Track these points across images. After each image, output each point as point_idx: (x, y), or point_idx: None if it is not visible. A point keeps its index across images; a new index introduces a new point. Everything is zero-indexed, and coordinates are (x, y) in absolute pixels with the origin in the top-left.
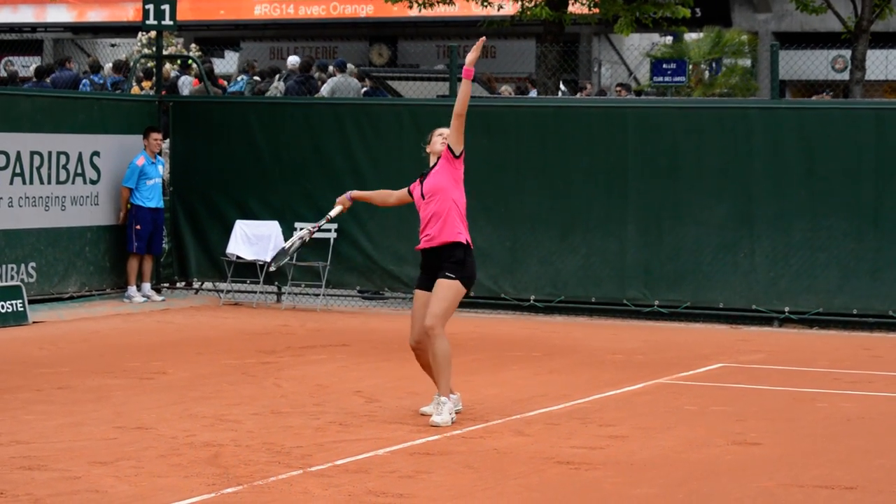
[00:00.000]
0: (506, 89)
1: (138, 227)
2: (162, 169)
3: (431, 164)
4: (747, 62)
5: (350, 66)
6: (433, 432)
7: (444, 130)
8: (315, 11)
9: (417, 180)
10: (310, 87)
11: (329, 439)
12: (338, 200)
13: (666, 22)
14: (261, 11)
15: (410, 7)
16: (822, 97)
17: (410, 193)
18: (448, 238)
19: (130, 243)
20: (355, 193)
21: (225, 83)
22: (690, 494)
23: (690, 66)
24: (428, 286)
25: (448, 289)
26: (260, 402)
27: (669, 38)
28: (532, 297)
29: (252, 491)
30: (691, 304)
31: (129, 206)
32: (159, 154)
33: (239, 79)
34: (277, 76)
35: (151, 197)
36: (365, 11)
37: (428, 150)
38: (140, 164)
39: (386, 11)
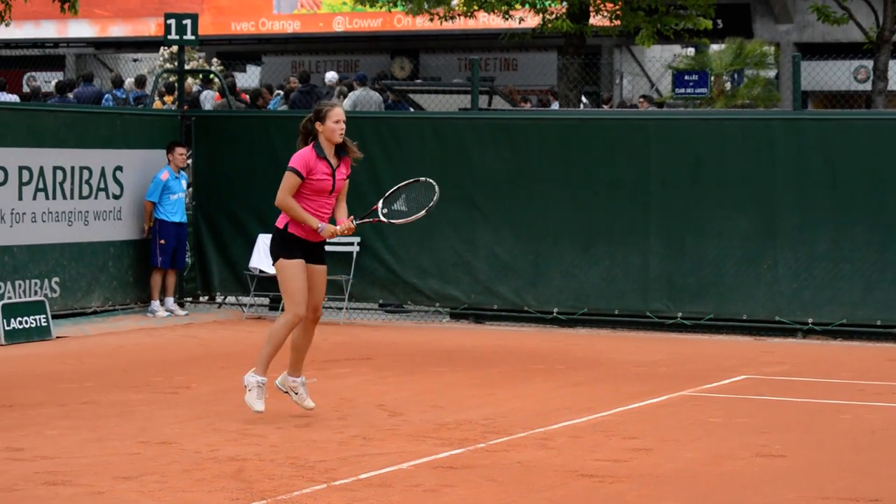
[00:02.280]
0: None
1: (162, 241)
2: (185, 183)
3: (324, 148)
4: (769, 73)
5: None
6: (457, 446)
7: (343, 115)
8: (337, 25)
9: (327, 165)
10: (314, 97)
11: (353, 453)
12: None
13: (687, 33)
14: (282, 26)
15: (432, 20)
16: None
17: (303, 176)
18: None
19: (154, 258)
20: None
21: (247, 97)
22: None
23: (712, 78)
24: (306, 259)
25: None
26: (283, 416)
27: (691, 50)
28: (555, 310)
29: None
30: (715, 315)
31: (152, 220)
32: (183, 169)
33: (278, 94)
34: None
35: (175, 211)
36: (387, 25)
37: (318, 127)
38: (164, 179)
39: (408, 25)
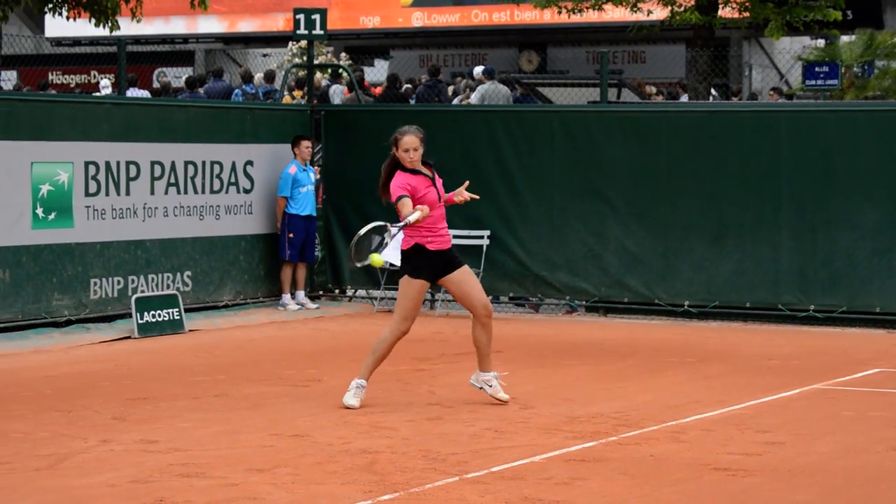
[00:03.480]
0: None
1: (291, 235)
2: (313, 176)
3: (411, 167)
4: None
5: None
6: (589, 439)
7: (414, 144)
8: (465, 19)
9: (424, 178)
10: (438, 91)
11: (484, 446)
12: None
13: (817, 25)
14: (411, 19)
15: (560, 13)
16: None
17: (408, 195)
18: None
19: (283, 251)
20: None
21: (377, 91)
22: (850, 501)
23: (843, 69)
24: (433, 279)
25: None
26: (415, 409)
27: (821, 41)
28: (686, 303)
29: (409, 498)
30: (847, 308)
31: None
32: (310, 162)
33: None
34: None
35: (304, 205)
36: (515, 18)
37: (400, 153)
38: (292, 173)
39: (535, 18)
